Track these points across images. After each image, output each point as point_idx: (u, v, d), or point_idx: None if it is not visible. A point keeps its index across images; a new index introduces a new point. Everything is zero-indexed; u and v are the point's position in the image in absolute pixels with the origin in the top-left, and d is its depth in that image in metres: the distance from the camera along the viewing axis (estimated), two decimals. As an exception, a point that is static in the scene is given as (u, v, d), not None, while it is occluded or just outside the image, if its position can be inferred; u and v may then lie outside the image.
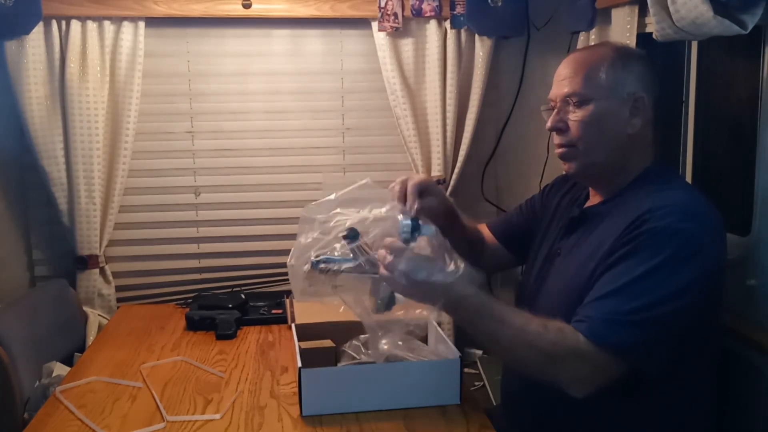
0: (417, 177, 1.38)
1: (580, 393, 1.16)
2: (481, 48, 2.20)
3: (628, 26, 1.70)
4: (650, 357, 1.15)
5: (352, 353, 1.51)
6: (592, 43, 1.88)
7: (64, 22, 2.05)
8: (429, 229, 1.28)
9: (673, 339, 1.16)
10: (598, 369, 1.15)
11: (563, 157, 1.34)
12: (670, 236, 1.15)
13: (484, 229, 1.67)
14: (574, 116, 1.29)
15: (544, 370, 1.18)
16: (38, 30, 2.01)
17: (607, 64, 1.28)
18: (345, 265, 1.29)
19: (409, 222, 1.27)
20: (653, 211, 1.18)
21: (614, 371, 1.15)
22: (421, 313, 1.38)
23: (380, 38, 2.19)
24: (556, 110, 1.32)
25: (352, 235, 1.30)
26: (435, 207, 1.39)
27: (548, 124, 1.33)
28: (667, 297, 1.13)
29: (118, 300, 2.23)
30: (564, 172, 1.39)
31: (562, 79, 1.31)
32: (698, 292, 1.16)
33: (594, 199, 1.38)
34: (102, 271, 2.19)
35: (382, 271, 1.21)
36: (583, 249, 1.30)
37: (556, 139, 1.34)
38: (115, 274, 2.24)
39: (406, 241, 1.26)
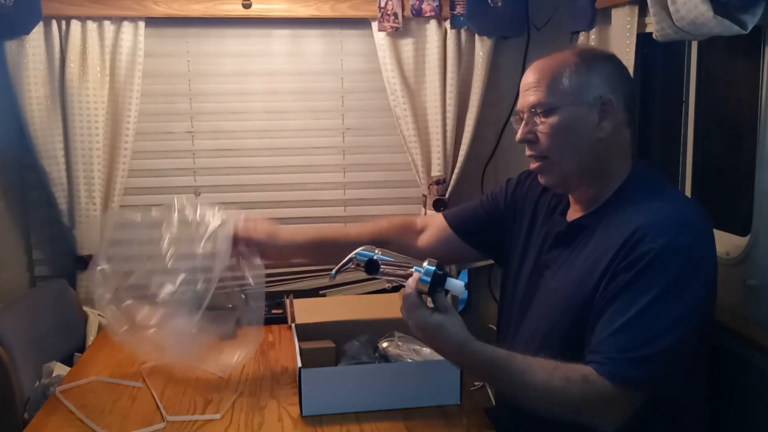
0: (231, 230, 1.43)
1: (611, 430, 1.16)
2: (481, 48, 2.20)
3: (628, 26, 1.71)
4: (671, 385, 1.16)
5: (352, 353, 1.51)
6: (591, 44, 1.88)
7: (64, 22, 2.05)
8: (457, 285, 1.22)
9: (686, 356, 1.17)
10: (625, 406, 1.15)
11: (538, 171, 1.32)
12: (669, 257, 1.14)
13: (436, 219, 1.60)
14: (542, 126, 1.27)
15: (574, 419, 1.17)
16: (38, 30, 2.01)
17: (569, 70, 1.25)
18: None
19: (432, 268, 1.20)
20: (647, 228, 1.16)
21: (639, 403, 1.16)
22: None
23: (380, 38, 2.20)
24: (524, 122, 1.30)
25: (372, 267, 1.26)
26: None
27: (517, 137, 1.31)
28: (678, 320, 1.13)
29: (118, 300, 2.24)
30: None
31: (527, 89, 1.30)
32: (704, 304, 1.17)
33: (576, 208, 1.36)
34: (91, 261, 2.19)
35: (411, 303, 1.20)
36: (577, 264, 1.28)
37: (528, 151, 1.32)
38: (115, 274, 2.24)
39: (424, 291, 1.20)
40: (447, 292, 1.23)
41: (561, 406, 1.16)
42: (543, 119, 1.27)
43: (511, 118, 1.36)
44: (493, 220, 1.53)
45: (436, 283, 1.20)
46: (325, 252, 1.58)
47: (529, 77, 1.30)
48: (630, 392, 1.13)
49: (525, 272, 1.42)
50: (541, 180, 1.34)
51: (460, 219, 1.57)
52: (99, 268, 1.45)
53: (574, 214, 1.36)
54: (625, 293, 1.16)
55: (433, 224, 1.59)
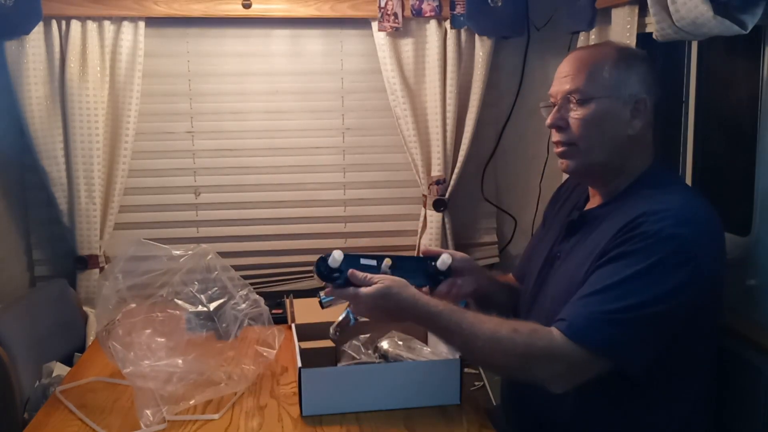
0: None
1: (559, 389, 1.17)
2: (481, 48, 2.20)
3: (628, 26, 1.71)
4: (628, 356, 1.15)
5: (352, 353, 1.51)
6: (593, 43, 1.88)
7: (64, 22, 2.05)
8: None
9: (655, 341, 1.16)
10: (574, 366, 1.15)
11: (562, 156, 1.33)
12: (661, 241, 1.14)
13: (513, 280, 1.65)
14: (575, 114, 1.28)
15: (520, 372, 1.20)
16: (38, 30, 2.01)
17: (610, 64, 1.26)
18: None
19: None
20: (648, 215, 1.17)
21: (593, 369, 1.15)
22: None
23: (380, 38, 2.20)
24: (556, 107, 1.31)
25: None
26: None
27: (548, 121, 1.32)
28: (650, 301, 1.13)
29: (118, 300, 2.24)
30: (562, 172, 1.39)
31: (564, 76, 1.30)
32: (686, 298, 1.15)
33: (593, 201, 1.38)
34: (102, 271, 2.19)
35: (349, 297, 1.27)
36: (580, 252, 1.29)
37: (555, 136, 1.32)
38: (115, 274, 2.24)
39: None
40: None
41: (506, 355, 1.18)
42: (577, 107, 1.28)
43: (541, 104, 1.37)
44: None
45: (326, 272, 1.28)
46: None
47: (568, 65, 1.31)
48: (578, 352, 1.13)
49: (537, 266, 1.43)
50: (563, 165, 1.35)
51: (521, 273, 1.60)
52: (108, 282, 1.46)
53: (589, 206, 1.38)
54: (607, 264, 1.18)
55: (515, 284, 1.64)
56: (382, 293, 1.24)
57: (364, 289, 1.25)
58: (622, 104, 1.26)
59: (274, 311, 1.98)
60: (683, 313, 1.16)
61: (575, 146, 1.30)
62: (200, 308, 1.47)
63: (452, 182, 2.29)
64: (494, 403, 2.05)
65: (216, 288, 1.49)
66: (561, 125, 1.30)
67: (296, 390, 1.41)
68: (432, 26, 2.19)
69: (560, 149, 1.32)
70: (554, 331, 1.16)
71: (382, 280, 1.26)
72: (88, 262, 2.15)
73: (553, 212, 1.52)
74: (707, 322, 1.23)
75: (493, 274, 1.62)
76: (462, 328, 1.20)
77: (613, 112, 1.26)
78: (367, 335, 1.56)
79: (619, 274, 1.15)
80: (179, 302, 1.47)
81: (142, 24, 2.11)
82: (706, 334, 1.24)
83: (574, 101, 1.28)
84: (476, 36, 2.19)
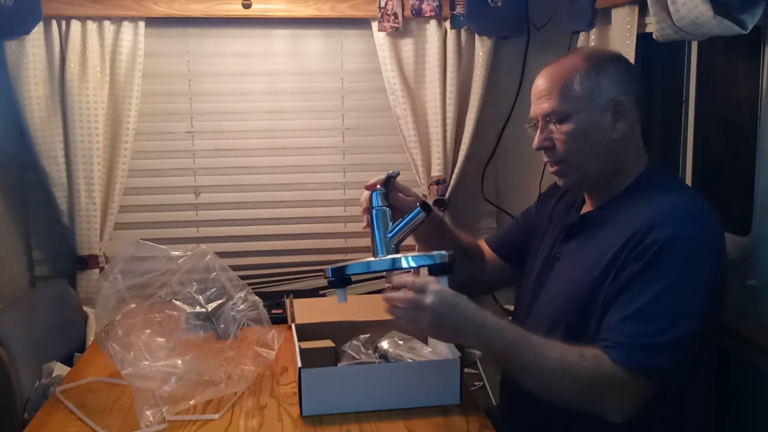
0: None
1: (620, 419, 1.16)
2: (481, 48, 2.20)
3: (628, 26, 1.71)
4: (679, 375, 1.16)
5: (352, 353, 1.51)
6: (591, 44, 1.88)
7: (64, 22, 2.06)
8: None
9: (697, 349, 1.17)
10: (636, 395, 1.15)
11: (557, 174, 1.34)
12: (677, 247, 1.15)
13: (484, 246, 1.64)
14: (558, 134, 1.28)
15: (584, 401, 1.17)
16: (38, 30, 2.01)
17: (580, 75, 1.26)
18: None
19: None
20: (656, 220, 1.17)
21: (649, 394, 1.15)
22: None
23: (380, 38, 2.20)
24: (539, 129, 1.31)
25: (428, 208, 1.32)
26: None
27: (534, 144, 1.32)
28: (689, 310, 1.14)
29: (118, 300, 2.24)
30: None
31: (539, 97, 1.30)
32: (713, 297, 1.17)
33: (590, 203, 1.38)
34: (102, 271, 2.19)
35: (398, 312, 1.17)
36: (585, 254, 1.29)
37: (545, 157, 1.33)
38: (115, 274, 2.24)
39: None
40: None
41: (576, 381, 1.15)
42: (558, 126, 1.28)
43: (526, 126, 1.37)
44: (526, 237, 1.54)
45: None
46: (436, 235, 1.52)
47: (540, 85, 1.31)
48: (640, 379, 1.13)
49: (536, 266, 1.43)
50: (560, 182, 1.35)
51: (500, 242, 1.60)
52: (107, 283, 1.46)
53: (587, 208, 1.38)
54: (635, 283, 1.17)
55: (485, 250, 1.63)
56: (452, 302, 1.16)
57: (429, 298, 1.15)
58: (601, 111, 1.26)
59: (273, 311, 1.99)
60: (710, 313, 1.17)
61: (566, 162, 1.30)
62: (198, 309, 1.47)
63: (452, 182, 2.29)
64: (494, 403, 2.05)
65: (214, 289, 1.49)
66: (547, 146, 1.31)
67: (296, 390, 1.41)
68: (432, 26, 2.19)
69: (554, 168, 1.33)
70: (613, 361, 1.13)
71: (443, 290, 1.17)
72: (88, 262, 2.15)
73: (548, 207, 1.51)
74: (714, 321, 1.24)
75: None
76: (530, 354, 1.16)
77: (594, 122, 1.26)
78: (367, 335, 1.56)
79: (649, 290, 1.14)
80: (177, 303, 1.47)
81: (142, 24, 2.11)
82: (709, 333, 1.24)
83: (554, 121, 1.28)
84: (476, 36, 2.19)
